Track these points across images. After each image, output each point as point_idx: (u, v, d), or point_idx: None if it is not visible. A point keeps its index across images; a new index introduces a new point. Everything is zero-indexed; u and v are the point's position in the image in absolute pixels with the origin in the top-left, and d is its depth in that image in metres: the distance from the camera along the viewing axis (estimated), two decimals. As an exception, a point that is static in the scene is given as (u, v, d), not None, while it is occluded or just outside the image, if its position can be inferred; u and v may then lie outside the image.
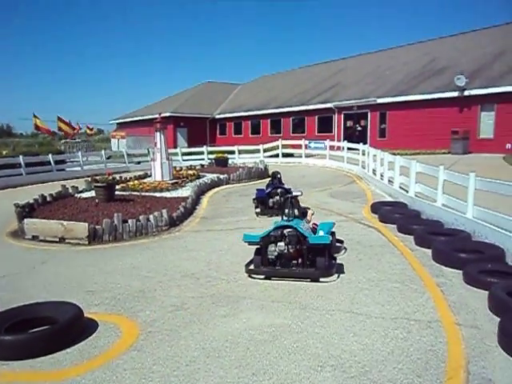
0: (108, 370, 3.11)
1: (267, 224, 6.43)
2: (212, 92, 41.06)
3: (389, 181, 11.30)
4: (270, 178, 10.70)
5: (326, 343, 3.40)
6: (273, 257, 5.05)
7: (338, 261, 5.38)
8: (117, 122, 44.67)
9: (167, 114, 32.18)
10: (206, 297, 4.48)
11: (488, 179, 6.49)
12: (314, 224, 5.91)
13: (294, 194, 6.21)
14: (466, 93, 20.03)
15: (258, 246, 5.17)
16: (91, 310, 4.13)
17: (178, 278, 5.10)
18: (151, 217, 7.72)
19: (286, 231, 5.10)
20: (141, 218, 7.61)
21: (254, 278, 4.99)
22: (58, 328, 3.48)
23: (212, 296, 4.49)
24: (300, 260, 5.05)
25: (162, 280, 5.06)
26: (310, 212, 6.35)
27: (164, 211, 7.98)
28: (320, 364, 3.09)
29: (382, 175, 12.14)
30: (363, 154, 15.99)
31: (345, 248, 5.63)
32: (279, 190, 9.22)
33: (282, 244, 5.02)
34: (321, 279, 4.83)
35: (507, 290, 3.95)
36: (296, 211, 5.58)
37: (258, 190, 9.62)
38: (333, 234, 5.71)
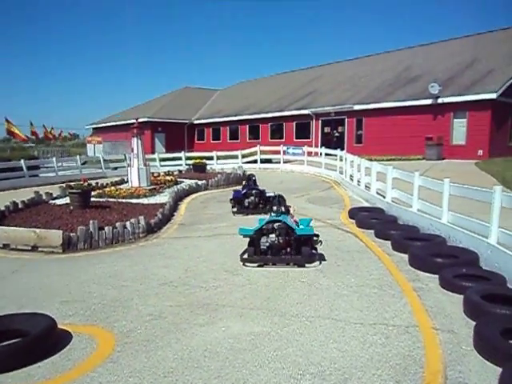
0: (82, 383, 3.01)
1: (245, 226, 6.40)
2: (190, 97, 40.89)
3: (366, 186, 11.45)
4: (245, 181, 11.39)
5: (306, 350, 3.38)
6: (265, 247, 5.81)
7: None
8: (93, 126, 43.93)
9: (145, 119, 31.86)
10: (184, 305, 4.40)
11: (462, 185, 6.65)
12: (295, 220, 6.54)
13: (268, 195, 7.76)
14: (440, 100, 20.56)
15: (251, 239, 5.93)
16: (65, 321, 4.01)
17: (156, 287, 5.01)
18: (128, 224, 7.58)
19: (276, 225, 5.90)
20: (117, 224, 7.46)
21: (248, 267, 5.67)
22: (29, 340, 3.35)
23: (190, 304, 4.42)
24: (288, 249, 5.82)
25: (139, 289, 4.96)
26: (291, 209, 7.18)
27: (141, 218, 7.86)
28: (300, 372, 3.07)
29: (359, 181, 12.30)
30: (341, 160, 16.17)
31: (320, 241, 6.04)
32: (254, 191, 9.95)
33: (273, 236, 5.84)
34: (306, 265, 5.60)
35: (481, 293, 4.04)
36: (282, 208, 6.44)
37: (234, 191, 10.44)
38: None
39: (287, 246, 5.83)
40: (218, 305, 4.39)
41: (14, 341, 3.41)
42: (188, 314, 4.18)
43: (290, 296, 4.58)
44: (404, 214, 8.16)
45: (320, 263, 5.70)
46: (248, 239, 5.97)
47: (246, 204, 9.77)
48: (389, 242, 6.56)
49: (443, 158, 19.66)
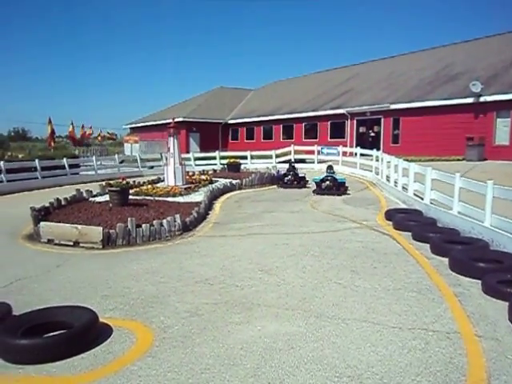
0: (123, 376, 3.10)
1: (275, 229, 6.40)
2: (224, 97, 41.25)
3: (403, 187, 11.18)
4: (288, 165, 15.95)
5: (343, 353, 3.34)
6: (324, 187, 12.54)
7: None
8: (130, 126, 45.09)
9: (180, 119, 32.38)
10: (220, 303, 4.45)
11: (506, 187, 6.38)
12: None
13: (300, 176, 14.82)
14: (482, 99, 19.79)
15: (318, 183, 12.82)
16: (106, 315, 4.13)
17: (192, 284, 5.09)
18: (164, 221, 7.73)
19: (328, 177, 12.69)
20: (154, 222, 7.63)
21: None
22: (73, 333, 3.48)
23: (226, 302, 4.47)
24: (334, 188, 12.39)
25: (175, 285, 5.05)
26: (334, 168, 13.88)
27: (177, 216, 8.00)
28: (337, 375, 3.04)
29: (396, 182, 12.02)
30: (376, 160, 15.88)
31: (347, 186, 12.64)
32: (290, 172, 14.82)
33: (328, 182, 12.60)
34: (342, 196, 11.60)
35: (528, 301, 3.86)
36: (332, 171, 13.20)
37: (277, 172, 15.96)
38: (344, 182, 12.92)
39: (334, 186, 12.46)
40: (253, 304, 4.41)
41: (58, 332, 3.55)
42: (224, 312, 4.23)
43: (326, 297, 4.54)
44: (443, 216, 7.92)
45: (349, 194, 12.37)
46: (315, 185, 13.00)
47: (285, 180, 14.59)
48: (427, 245, 6.38)
49: (485, 159, 18.91)
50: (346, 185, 12.91)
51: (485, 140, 19.31)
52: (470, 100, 20.23)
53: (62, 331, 3.56)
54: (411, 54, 31.52)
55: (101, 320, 3.85)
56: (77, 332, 3.49)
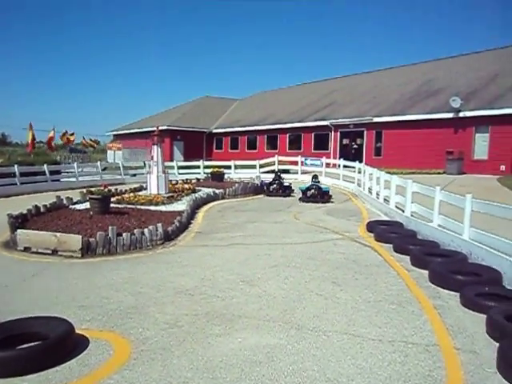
0: (98, 390, 3.02)
1: (257, 240, 6.38)
2: (209, 106, 41.31)
3: (384, 199, 11.32)
4: (274, 175, 16.62)
5: (323, 366, 3.33)
6: (310, 195, 13.19)
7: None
8: (113, 133, 44.72)
9: (164, 127, 32.29)
10: (200, 314, 4.40)
11: (484, 201, 6.51)
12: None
13: (285, 185, 15.38)
14: (461, 114, 20.30)
15: (303, 191, 13.52)
16: (83, 326, 4.04)
17: (172, 295, 5.02)
18: (146, 230, 7.64)
19: (313, 186, 13.37)
20: (135, 231, 7.53)
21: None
22: (48, 344, 3.38)
23: (206, 314, 4.41)
24: (319, 196, 13.10)
25: (155, 296, 4.98)
26: (319, 177, 14.94)
27: (159, 225, 7.91)
28: (316, 388, 3.02)
29: (377, 194, 12.17)
30: (359, 172, 16.06)
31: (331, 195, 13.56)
32: (276, 181, 15.40)
33: (312, 190, 13.24)
34: (327, 204, 12.42)
35: (505, 314, 3.92)
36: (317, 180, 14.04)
37: (261, 183, 16.26)
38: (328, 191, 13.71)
39: (318, 194, 13.22)
40: (234, 315, 4.37)
41: (32, 344, 3.45)
42: (204, 323, 4.17)
43: (307, 309, 4.53)
44: (424, 228, 8.03)
45: (332, 202, 13.15)
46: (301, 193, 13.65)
47: (271, 189, 15.18)
48: (408, 257, 6.45)
49: (464, 173, 19.33)
50: (330, 193, 13.69)
51: (464, 154, 19.77)
52: (450, 115, 20.73)
53: (36, 343, 3.46)
54: (394, 68, 32.21)
55: (77, 331, 3.76)
56: (52, 344, 3.39)
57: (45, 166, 17.91)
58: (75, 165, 20.30)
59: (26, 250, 7.11)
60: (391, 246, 7.22)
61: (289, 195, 14.88)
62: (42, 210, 9.67)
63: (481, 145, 20.03)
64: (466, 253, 6.30)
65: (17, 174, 16.38)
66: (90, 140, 39.26)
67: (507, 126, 18.75)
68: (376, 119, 24.17)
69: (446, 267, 5.48)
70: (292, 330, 3.99)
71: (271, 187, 15.10)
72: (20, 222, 8.30)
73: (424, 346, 3.68)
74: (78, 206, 10.65)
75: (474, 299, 4.53)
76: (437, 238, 7.33)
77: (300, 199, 13.48)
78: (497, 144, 19.20)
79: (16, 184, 16.19)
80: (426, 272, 5.68)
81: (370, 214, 10.86)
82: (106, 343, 3.75)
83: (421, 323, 4.18)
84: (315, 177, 14.29)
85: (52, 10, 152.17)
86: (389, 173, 12.70)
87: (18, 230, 7.40)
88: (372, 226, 8.56)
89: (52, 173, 18.32)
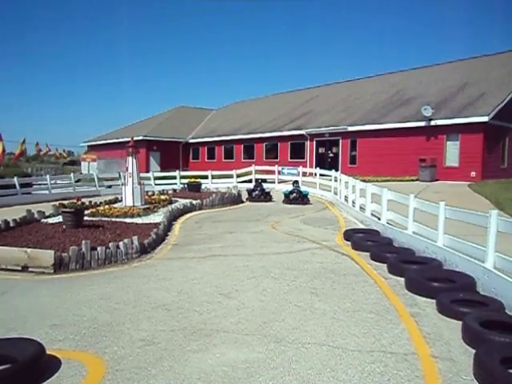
0: (70, 414, 2.89)
1: (235, 250, 6.30)
2: (185, 116, 41.15)
3: (361, 208, 11.45)
4: (255, 182, 18.96)
5: (303, 380, 3.29)
6: (292, 198, 15.16)
7: None
8: (87, 144, 43.96)
9: (140, 138, 31.97)
10: (177, 330, 4.30)
11: (457, 208, 6.66)
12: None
13: (267, 191, 16.76)
14: (433, 123, 20.85)
15: (286, 195, 15.47)
16: (54, 347, 3.88)
17: (149, 310, 4.90)
18: (121, 244, 7.47)
19: (295, 190, 15.44)
20: (110, 245, 7.36)
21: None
22: (16, 368, 3.22)
23: (184, 329, 4.32)
24: (300, 199, 15.01)
25: (131, 312, 4.85)
26: (299, 183, 16.71)
27: (135, 238, 7.76)
28: (297, 403, 2.98)
29: (353, 202, 12.30)
30: (335, 181, 16.23)
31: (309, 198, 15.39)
32: (258, 188, 16.75)
33: (294, 194, 15.29)
34: (306, 205, 14.12)
35: (480, 320, 3.98)
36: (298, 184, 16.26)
37: (246, 189, 17.40)
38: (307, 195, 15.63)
39: (299, 197, 15.04)
40: (212, 330, 4.29)
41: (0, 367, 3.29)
42: (181, 339, 4.08)
43: (286, 321, 4.49)
44: (399, 236, 8.14)
45: (310, 204, 14.91)
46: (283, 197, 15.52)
47: (253, 195, 16.43)
48: (385, 265, 6.51)
49: (436, 180, 19.81)
50: (308, 197, 15.70)
51: (436, 161, 20.27)
52: (421, 123, 21.26)
53: (3, 366, 3.29)
54: (367, 78, 32.87)
55: (48, 352, 3.60)
56: (20, 367, 3.23)
57: (15, 178, 17.37)
58: (47, 177, 19.79)
59: (-5, 267, 6.83)
60: (368, 254, 7.28)
61: (270, 200, 16.44)
62: (11, 224, 9.37)
63: (452, 152, 20.59)
64: (441, 259, 6.40)
65: (-15, 187, 15.83)
66: (64, 152, 38.46)
67: (476, 134, 19.38)
68: (350, 128, 24.56)
69: (422, 274, 5.55)
70: (271, 344, 3.94)
71: (253, 193, 16.39)
72: (-12, 237, 8.00)
73: (402, 355, 3.69)
74: (50, 220, 10.37)
75: (449, 306, 4.59)
76: (412, 245, 7.43)
77: (283, 201, 15.49)
78: (467, 151, 19.78)
79: (-16, 198, 15.63)
80: (402, 279, 5.74)
81: (347, 223, 10.96)
82: (79, 364, 3.62)
83: (399, 332, 4.20)
84: (296, 182, 16.45)
85: (34, 7, 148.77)
86: (364, 181, 12.88)
87: (-14, 247, 7.11)
88: (349, 235, 8.63)
89: (23, 185, 17.75)
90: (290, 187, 16.21)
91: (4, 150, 27.52)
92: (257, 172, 23.01)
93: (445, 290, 4.99)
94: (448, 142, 20.74)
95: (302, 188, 16.14)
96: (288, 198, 15.35)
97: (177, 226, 10.97)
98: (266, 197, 16.46)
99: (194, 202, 14.31)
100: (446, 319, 4.51)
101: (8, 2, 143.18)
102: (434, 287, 5.16)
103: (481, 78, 23.32)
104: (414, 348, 3.84)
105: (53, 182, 20.24)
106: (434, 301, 4.90)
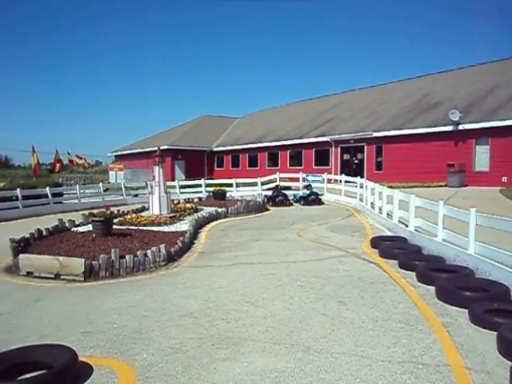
0: (103, 420, 2.95)
1: (261, 258, 6.29)
2: (210, 125, 41.64)
3: (388, 215, 11.27)
4: (274, 188, 20.35)
5: (332, 390, 3.25)
6: (310, 200, 17.44)
7: None
8: (115, 154, 44.99)
9: (165, 147, 32.49)
10: (205, 338, 4.33)
11: (489, 215, 6.47)
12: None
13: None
14: (461, 127, 20.37)
15: (302, 198, 17.85)
16: (86, 353, 3.97)
17: (177, 318, 4.95)
18: (149, 252, 7.59)
19: (312, 193, 17.80)
20: (138, 253, 7.49)
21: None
22: (51, 374, 3.32)
23: (212, 337, 4.34)
24: (316, 201, 17.47)
25: (159, 319, 4.91)
26: (313, 187, 18.73)
27: (162, 246, 7.87)
28: (326, 413, 2.94)
29: (380, 209, 12.12)
30: (361, 187, 16.04)
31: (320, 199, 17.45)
32: (280, 193, 18.32)
33: (312, 196, 17.67)
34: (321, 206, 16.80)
35: (516, 331, 3.84)
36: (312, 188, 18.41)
37: (266, 196, 18.45)
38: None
39: (316, 199, 17.50)
40: (239, 338, 4.30)
41: (36, 373, 3.39)
42: (209, 347, 4.10)
43: (314, 330, 4.46)
44: (428, 243, 7.96)
45: (326, 205, 17.23)
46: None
47: (277, 200, 17.69)
48: (413, 273, 6.38)
49: (466, 185, 19.31)
50: (321, 198, 18.07)
51: (465, 166, 19.78)
52: (449, 128, 20.81)
53: (38, 372, 3.39)
54: (391, 83, 32.50)
55: (80, 358, 3.69)
56: (55, 373, 3.33)
57: (47, 188, 17.94)
58: (77, 187, 20.35)
59: (29, 274, 7.05)
60: (396, 262, 7.14)
61: (291, 204, 17.91)
62: (44, 233, 9.66)
63: (482, 157, 20.05)
64: (473, 267, 6.22)
65: (19, 197, 16.41)
66: (91, 161, 39.47)
67: (507, 138, 18.81)
68: (376, 134, 24.28)
69: (453, 283, 5.41)
70: (299, 353, 3.91)
71: (277, 199, 17.93)
72: (22, 246, 8.28)
73: (434, 367, 3.60)
74: (80, 229, 10.64)
75: (483, 316, 4.45)
76: (442, 253, 7.26)
77: (302, 203, 17.68)
78: (497, 155, 19.22)
79: (18, 207, 16.19)
80: (432, 288, 5.61)
81: (374, 230, 10.80)
82: (110, 370, 3.69)
83: (430, 342, 4.10)
84: (310, 186, 18.57)
85: (62, 24, 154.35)
86: (390, 187, 12.68)
87: (21, 255, 7.36)
88: (376, 242, 8.50)
89: (54, 195, 18.32)
90: (306, 191, 18.43)
91: (39, 162, 28.44)
92: (281, 179, 23.00)
93: (477, 300, 4.85)
94: (477, 147, 20.22)
95: (327, 197, 18.69)
96: (306, 200, 17.58)
97: (203, 233, 11.07)
98: (287, 201, 18.18)
99: (220, 209, 14.40)
100: (480, 329, 4.37)
101: (40, 15, 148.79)
102: (466, 296, 5.01)
103: (511, 79, 22.67)
104: (446, 359, 3.74)
105: (82, 191, 20.79)
106: (466, 310, 4.76)
